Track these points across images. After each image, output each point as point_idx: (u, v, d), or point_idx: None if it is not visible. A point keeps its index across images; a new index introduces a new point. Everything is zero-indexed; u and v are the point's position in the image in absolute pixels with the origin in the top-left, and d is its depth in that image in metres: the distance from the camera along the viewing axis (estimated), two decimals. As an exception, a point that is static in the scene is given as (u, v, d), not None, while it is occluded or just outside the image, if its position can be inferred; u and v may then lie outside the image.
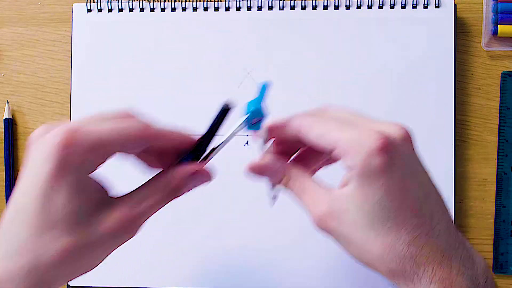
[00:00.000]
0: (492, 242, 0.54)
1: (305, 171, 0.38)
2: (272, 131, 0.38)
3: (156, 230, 0.54)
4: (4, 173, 0.56)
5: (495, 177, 0.54)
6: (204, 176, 0.37)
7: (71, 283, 0.54)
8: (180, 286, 0.54)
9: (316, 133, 0.35)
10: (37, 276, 0.32)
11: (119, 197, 0.35)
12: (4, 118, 0.56)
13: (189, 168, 0.37)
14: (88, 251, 0.33)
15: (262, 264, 0.53)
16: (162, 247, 0.54)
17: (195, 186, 0.37)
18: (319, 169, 0.40)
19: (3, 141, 0.56)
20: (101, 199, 0.34)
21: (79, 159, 0.32)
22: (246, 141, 0.54)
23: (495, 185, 0.54)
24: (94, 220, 0.33)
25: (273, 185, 0.39)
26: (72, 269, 0.34)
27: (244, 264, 0.53)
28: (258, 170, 0.38)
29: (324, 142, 0.34)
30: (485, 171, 0.54)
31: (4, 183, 0.56)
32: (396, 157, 0.33)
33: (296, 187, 0.37)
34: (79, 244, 0.33)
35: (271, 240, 0.53)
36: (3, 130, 0.56)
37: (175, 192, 0.36)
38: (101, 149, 0.33)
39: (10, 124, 0.56)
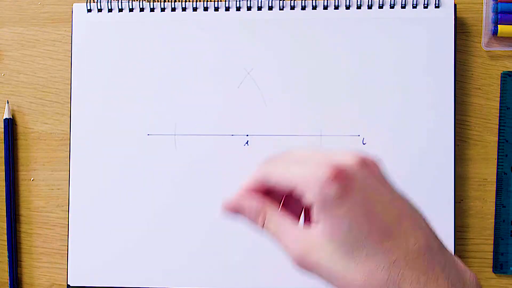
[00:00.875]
0: (492, 242, 0.54)
1: (282, 211, 0.37)
2: (246, 196, 0.38)
3: (157, 230, 0.54)
4: (4, 173, 0.56)
5: (495, 177, 0.54)
6: None
7: (71, 283, 0.54)
8: (181, 286, 0.54)
9: (277, 176, 0.35)
10: None
11: None
12: (4, 118, 0.56)
13: None
14: None
15: (262, 264, 0.53)
16: (162, 247, 0.54)
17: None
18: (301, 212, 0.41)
19: (3, 141, 0.56)
20: None
21: None
22: (246, 141, 0.54)
23: (495, 185, 0.54)
24: None
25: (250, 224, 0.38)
26: None
27: (244, 264, 0.53)
28: (233, 209, 0.38)
29: (284, 183, 0.35)
30: (485, 171, 0.54)
31: (4, 183, 0.56)
32: (351, 183, 0.33)
33: (273, 226, 0.36)
34: None
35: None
36: (3, 130, 0.56)
37: None
38: None
39: (10, 124, 0.56)
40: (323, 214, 0.33)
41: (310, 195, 0.33)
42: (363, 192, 0.33)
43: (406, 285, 0.32)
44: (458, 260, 0.34)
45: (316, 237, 0.34)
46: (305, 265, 0.35)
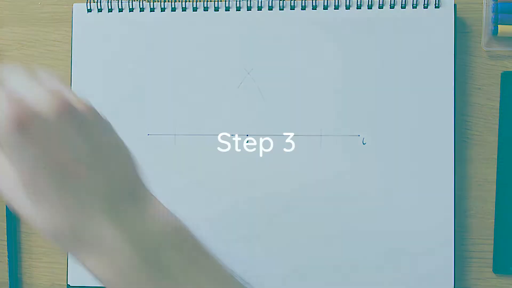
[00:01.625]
0: (492, 242, 0.54)
1: None
2: None
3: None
4: (4, 173, 0.56)
5: (495, 177, 0.54)
6: None
7: (71, 283, 0.54)
8: (180, 286, 0.54)
9: None
10: None
11: None
12: (4, 118, 0.56)
13: None
14: None
15: (263, 262, 0.53)
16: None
17: None
18: None
19: (3, 141, 0.56)
20: None
21: None
22: (246, 141, 0.54)
23: (495, 185, 0.54)
24: None
25: None
26: None
27: (246, 263, 0.53)
28: None
29: None
30: (485, 171, 0.54)
31: (4, 183, 0.56)
32: (32, 128, 0.31)
33: None
34: None
35: (271, 236, 0.53)
36: (3, 130, 0.56)
37: None
38: None
39: (10, 124, 0.56)
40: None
41: None
42: (45, 138, 0.32)
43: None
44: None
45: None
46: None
